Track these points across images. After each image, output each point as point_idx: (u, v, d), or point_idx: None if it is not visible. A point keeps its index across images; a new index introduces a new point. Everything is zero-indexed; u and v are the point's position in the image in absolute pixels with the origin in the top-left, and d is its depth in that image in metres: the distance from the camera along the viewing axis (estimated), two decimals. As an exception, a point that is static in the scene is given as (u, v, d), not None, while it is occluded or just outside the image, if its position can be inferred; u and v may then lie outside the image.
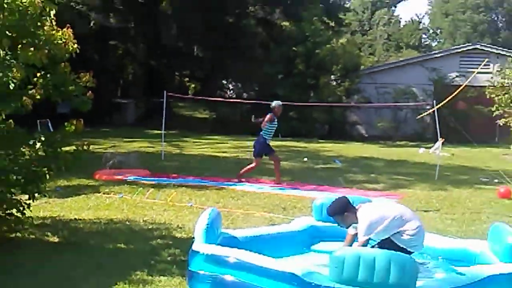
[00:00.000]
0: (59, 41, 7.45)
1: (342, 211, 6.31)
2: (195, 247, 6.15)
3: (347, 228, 6.41)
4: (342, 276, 5.01)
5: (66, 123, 7.87)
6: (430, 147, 21.89)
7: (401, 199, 11.55)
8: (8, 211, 7.74)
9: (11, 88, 6.74)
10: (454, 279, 5.51)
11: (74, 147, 7.98)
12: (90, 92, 7.82)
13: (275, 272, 5.46)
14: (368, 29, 68.07)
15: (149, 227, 8.80)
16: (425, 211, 10.64)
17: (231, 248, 6.08)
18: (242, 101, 27.22)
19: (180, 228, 8.75)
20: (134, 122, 29.05)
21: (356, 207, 6.35)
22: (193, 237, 6.46)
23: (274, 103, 13.47)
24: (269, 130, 13.22)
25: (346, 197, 6.50)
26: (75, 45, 7.60)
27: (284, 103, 22.22)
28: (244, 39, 31.49)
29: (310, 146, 22.61)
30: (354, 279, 4.98)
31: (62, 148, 7.91)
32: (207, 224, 6.18)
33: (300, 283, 5.18)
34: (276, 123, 13.32)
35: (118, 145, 20.01)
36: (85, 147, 8.00)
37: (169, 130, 17.65)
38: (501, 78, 21.81)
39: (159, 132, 18.85)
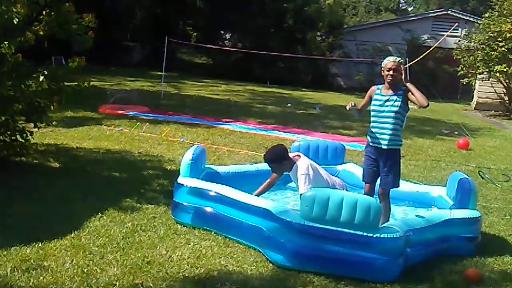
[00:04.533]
0: (63, -19, 6.95)
1: (281, 160, 6.04)
2: (179, 180, 5.87)
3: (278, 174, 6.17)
4: (312, 214, 4.74)
5: (68, 60, 7.45)
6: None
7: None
8: (13, 137, 7.40)
9: (15, 22, 6.28)
10: (413, 221, 5.25)
11: (76, 83, 7.59)
12: (91, 31, 7.37)
13: (251, 207, 5.20)
14: (353, -9, 66.62)
15: (143, 159, 8.48)
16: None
17: (212, 183, 5.80)
18: (236, 49, 26.58)
19: (171, 161, 8.43)
20: (139, 63, 28.35)
21: (292, 157, 6.12)
22: (180, 170, 6.17)
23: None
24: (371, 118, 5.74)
25: (284, 146, 6.22)
26: (79, -14, 7.09)
27: (274, 53, 22.01)
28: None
29: (294, 93, 22.15)
30: (323, 217, 4.71)
31: (65, 83, 7.52)
32: (191, 160, 5.91)
33: (273, 219, 4.92)
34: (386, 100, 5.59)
35: (122, 83, 19.45)
36: (86, 84, 7.60)
37: (170, 72, 17.11)
38: (468, 42, 21.26)
39: (160, 73, 18.32)
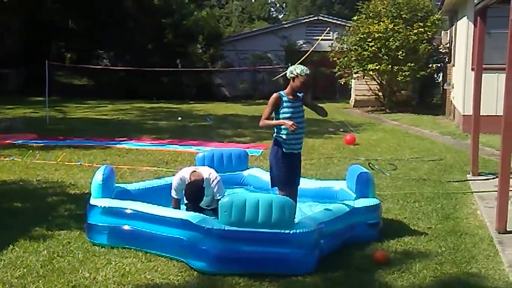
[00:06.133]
0: None
1: (202, 191, 6.00)
2: (92, 201, 5.83)
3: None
4: (231, 219, 4.93)
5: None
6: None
7: (266, 149, 11.65)
8: None
9: None
10: (323, 215, 5.60)
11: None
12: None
13: (169, 219, 5.29)
14: (224, 3, 67.76)
15: (43, 186, 8.23)
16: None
17: (126, 200, 5.83)
18: (114, 68, 26.11)
19: (73, 185, 8.26)
20: (15, 90, 27.04)
21: (196, 177, 6.05)
22: (88, 193, 6.11)
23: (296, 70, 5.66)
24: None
25: (199, 180, 6.03)
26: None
27: (156, 69, 21.90)
28: (116, 12, 30.10)
29: (183, 106, 22.21)
30: (242, 221, 4.92)
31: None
32: (102, 180, 5.87)
33: (193, 228, 5.05)
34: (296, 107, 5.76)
35: (2, 112, 18.52)
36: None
37: (50, 97, 16.50)
38: (340, 44, 22.46)
39: (41, 98, 17.67)
